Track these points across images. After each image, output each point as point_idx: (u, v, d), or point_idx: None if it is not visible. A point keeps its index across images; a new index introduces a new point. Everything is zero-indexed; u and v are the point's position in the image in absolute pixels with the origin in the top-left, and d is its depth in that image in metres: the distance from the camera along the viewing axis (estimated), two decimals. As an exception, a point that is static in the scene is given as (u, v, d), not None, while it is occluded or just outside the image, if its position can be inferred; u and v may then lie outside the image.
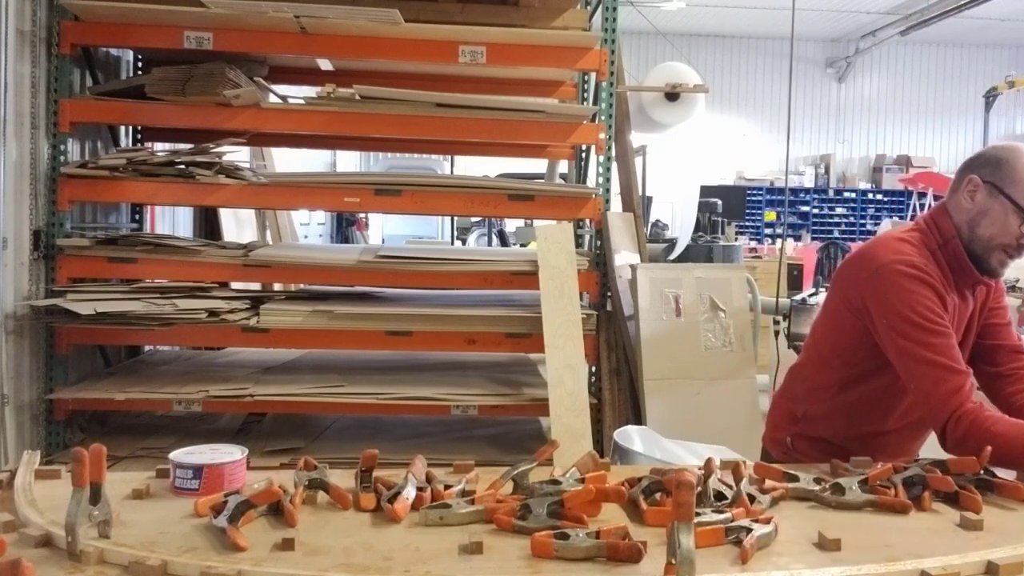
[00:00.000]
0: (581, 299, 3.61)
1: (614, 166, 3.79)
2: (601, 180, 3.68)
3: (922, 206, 12.36)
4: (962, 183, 1.94)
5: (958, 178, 1.98)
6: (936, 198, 12.55)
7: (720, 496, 1.59)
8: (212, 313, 3.33)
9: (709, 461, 1.68)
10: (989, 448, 1.69)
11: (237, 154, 3.91)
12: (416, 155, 10.76)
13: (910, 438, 2.06)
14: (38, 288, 3.32)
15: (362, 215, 13.10)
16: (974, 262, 1.91)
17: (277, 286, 4.37)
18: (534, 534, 1.37)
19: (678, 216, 9.32)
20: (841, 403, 2.01)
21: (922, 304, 1.81)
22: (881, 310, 1.85)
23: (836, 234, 16.56)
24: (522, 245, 9.04)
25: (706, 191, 10.17)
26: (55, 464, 1.84)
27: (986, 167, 1.91)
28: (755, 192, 17.23)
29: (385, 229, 13.68)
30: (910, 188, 13.90)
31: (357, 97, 3.50)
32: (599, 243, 3.72)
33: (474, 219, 13.16)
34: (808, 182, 18.09)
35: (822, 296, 4.48)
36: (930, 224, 1.96)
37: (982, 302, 1.99)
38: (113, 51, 4.02)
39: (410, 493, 1.55)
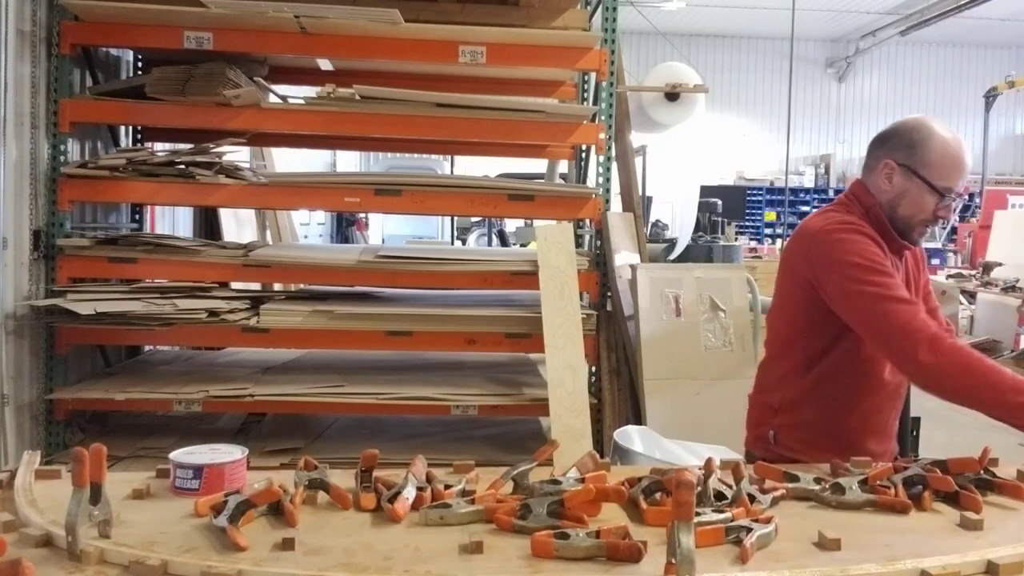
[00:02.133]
0: (581, 299, 3.61)
1: (614, 166, 3.79)
2: (601, 180, 3.68)
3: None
4: (879, 165, 2.04)
5: (874, 156, 2.07)
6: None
7: (720, 496, 1.59)
8: (212, 313, 3.32)
9: (709, 461, 1.68)
10: (989, 448, 1.69)
11: (237, 154, 3.91)
12: (416, 155, 10.76)
13: (888, 409, 2.11)
14: (38, 288, 3.32)
15: (362, 215, 13.11)
16: (897, 234, 2.02)
17: (277, 286, 4.37)
18: (534, 534, 1.37)
19: (678, 216, 9.33)
20: (812, 382, 2.05)
21: (861, 248, 1.92)
22: (825, 268, 1.94)
23: (836, 234, 16.52)
24: (522, 245, 9.04)
25: (706, 191, 10.18)
26: (55, 464, 1.84)
27: (900, 151, 2.01)
28: (755, 192, 17.24)
29: (385, 229, 13.68)
30: (910, 188, 13.86)
31: (357, 97, 3.50)
32: (599, 243, 3.72)
33: (474, 219, 13.17)
34: (808, 182, 18.11)
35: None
36: (851, 199, 2.08)
37: (913, 268, 2.12)
38: (113, 51, 4.02)
39: (410, 493, 1.55)
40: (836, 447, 1.94)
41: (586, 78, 4.42)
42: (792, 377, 2.07)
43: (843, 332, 1.97)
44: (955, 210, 2.02)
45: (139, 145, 4.12)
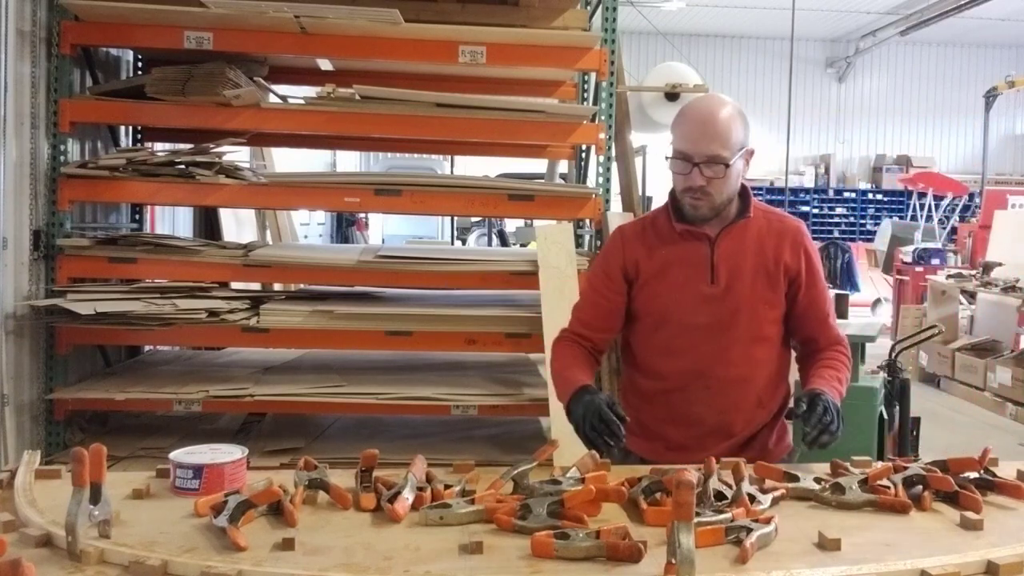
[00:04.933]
0: (581, 299, 3.60)
1: (614, 166, 3.79)
2: (601, 180, 3.68)
3: (922, 206, 12.35)
4: None
5: None
6: (936, 198, 12.55)
7: (720, 496, 1.59)
8: (212, 313, 3.32)
9: (709, 461, 1.68)
10: (989, 448, 1.69)
11: (237, 154, 3.90)
12: (416, 155, 10.76)
13: (686, 401, 2.05)
14: (38, 288, 3.32)
15: (362, 215, 13.11)
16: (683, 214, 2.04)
17: (277, 286, 4.38)
18: (534, 534, 1.37)
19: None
20: (624, 371, 2.21)
21: (602, 252, 2.17)
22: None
23: (836, 234, 16.56)
24: (522, 245, 9.05)
25: (706, 191, 10.14)
26: (55, 464, 1.84)
27: None
28: (755, 192, 17.17)
29: (385, 229, 13.69)
30: (910, 188, 13.89)
31: (357, 97, 3.50)
32: (599, 243, 3.72)
33: (474, 219, 13.17)
34: (808, 182, 18.09)
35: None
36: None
37: (752, 250, 2.07)
38: (113, 51, 4.02)
39: (410, 493, 1.56)
40: (643, 434, 2.05)
41: (586, 78, 4.42)
42: (625, 375, 2.22)
43: (627, 324, 2.11)
44: (707, 176, 1.92)
45: (139, 145, 4.12)
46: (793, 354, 2.14)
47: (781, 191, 15.19)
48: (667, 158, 1.99)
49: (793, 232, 2.05)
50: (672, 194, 2.05)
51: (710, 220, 2.00)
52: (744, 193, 2.04)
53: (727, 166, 1.92)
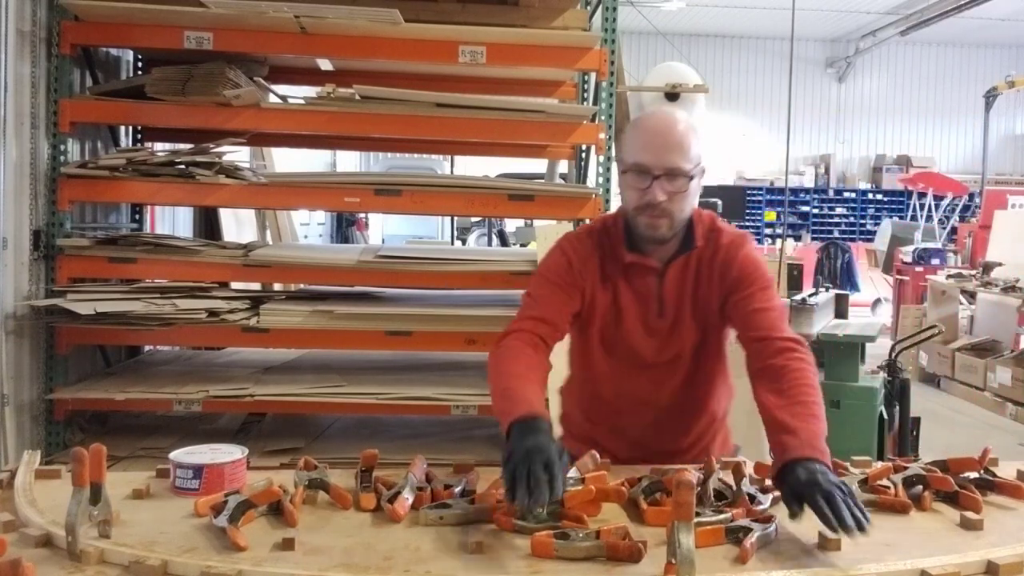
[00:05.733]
0: (581, 299, 3.60)
1: (614, 166, 3.79)
2: (601, 180, 3.68)
3: (922, 206, 12.35)
4: None
5: None
6: (936, 198, 12.55)
7: (720, 496, 1.59)
8: (212, 313, 3.32)
9: (709, 461, 1.68)
10: (989, 448, 1.69)
11: (237, 154, 3.90)
12: (416, 155, 10.76)
13: (618, 412, 2.01)
14: (38, 288, 3.32)
15: (362, 215, 13.11)
16: (636, 238, 1.90)
17: (277, 286, 4.37)
18: (534, 534, 1.37)
19: (678, 216, 9.29)
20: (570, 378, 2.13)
21: (548, 260, 1.99)
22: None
23: (836, 234, 16.58)
24: (522, 245, 9.04)
25: (706, 191, 10.08)
26: (55, 464, 1.84)
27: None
28: (755, 192, 17.24)
29: (385, 229, 13.70)
30: (910, 188, 13.90)
31: (357, 97, 3.49)
32: (599, 243, 3.71)
33: (474, 219, 13.17)
34: (808, 182, 18.11)
35: (822, 296, 4.48)
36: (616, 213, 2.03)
37: (701, 285, 1.95)
38: (113, 51, 4.02)
39: (410, 493, 1.56)
40: (581, 440, 1.97)
41: (586, 78, 4.41)
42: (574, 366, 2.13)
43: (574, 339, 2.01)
44: (668, 191, 1.78)
45: (139, 145, 4.12)
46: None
47: (781, 191, 15.20)
48: (622, 173, 1.86)
49: (726, 248, 1.91)
50: (623, 216, 1.92)
51: (668, 241, 1.87)
52: (690, 222, 1.90)
53: (690, 179, 1.81)
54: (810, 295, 4.43)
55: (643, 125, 1.88)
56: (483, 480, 1.67)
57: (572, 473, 1.65)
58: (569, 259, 1.92)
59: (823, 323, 4.23)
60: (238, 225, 5.16)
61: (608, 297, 1.92)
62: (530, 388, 1.70)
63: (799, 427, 1.54)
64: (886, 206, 17.52)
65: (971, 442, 5.31)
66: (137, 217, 4.22)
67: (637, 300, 1.92)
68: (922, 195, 12.57)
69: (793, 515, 1.41)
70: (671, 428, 1.99)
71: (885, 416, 3.85)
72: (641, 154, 1.80)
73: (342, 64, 4.22)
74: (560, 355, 2.04)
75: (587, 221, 3.86)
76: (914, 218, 12.80)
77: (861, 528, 1.34)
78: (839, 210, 17.90)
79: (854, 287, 12.19)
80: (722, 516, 1.46)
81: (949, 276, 8.16)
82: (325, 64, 4.24)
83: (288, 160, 6.73)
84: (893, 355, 4.17)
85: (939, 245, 10.42)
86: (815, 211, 17.80)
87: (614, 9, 3.64)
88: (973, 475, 1.69)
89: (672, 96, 5.75)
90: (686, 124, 1.84)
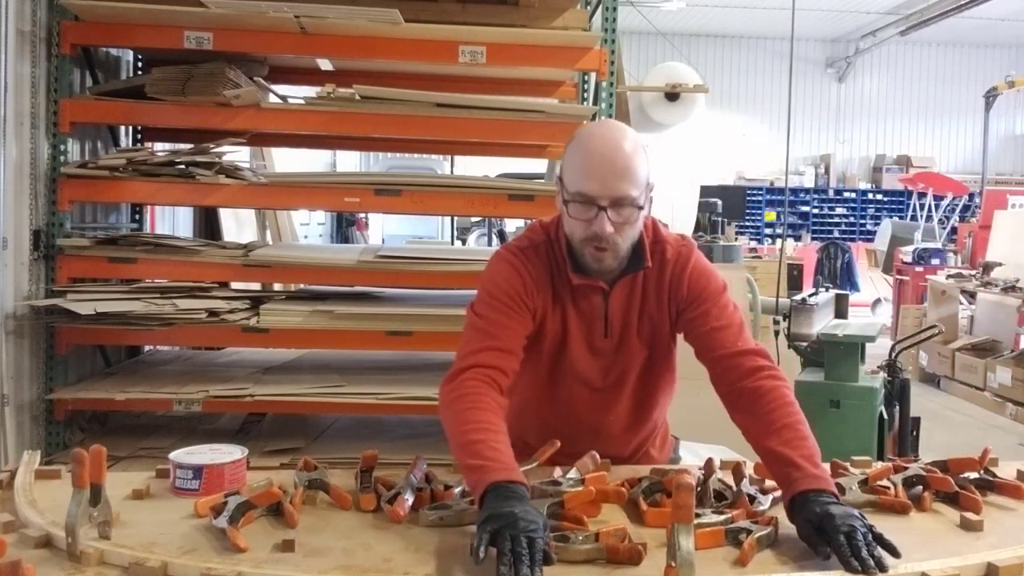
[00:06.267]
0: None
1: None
2: (601, 180, 3.67)
3: (922, 206, 12.35)
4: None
5: None
6: (936, 198, 12.55)
7: (720, 497, 1.59)
8: (212, 313, 3.32)
9: (709, 461, 1.68)
10: (989, 448, 1.69)
11: (237, 154, 3.90)
12: (416, 155, 10.75)
13: (561, 429, 1.87)
14: (38, 288, 3.32)
15: (362, 215, 13.10)
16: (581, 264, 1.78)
17: (277, 286, 4.37)
18: (534, 535, 1.36)
19: (678, 216, 9.34)
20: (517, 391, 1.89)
21: (496, 276, 1.80)
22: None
23: (836, 234, 16.59)
24: (522, 245, 9.02)
25: (706, 191, 10.18)
26: (55, 464, 1.84)
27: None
28: (755, 192, 17.24)
29: (385, 229, 13.68)
30: (910, 188, 13.90)
31: (357, 97, 3.49)
32: (599, 243, 3.71)
33: (474, 219, 13.17)
34: (808, 182, 18.11)
35: (822, 296, 4.48)
36: (548, 224, 1.90)
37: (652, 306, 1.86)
38: (113, 51, 4.02)
39: (410, 494, 1.56)
40: (513, 446, 1.69)
41: (586, 78, 4.41)
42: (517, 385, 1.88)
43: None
44: (615, 221, 1.65)
45: (139, 145, 4.12)
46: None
47: (781, 191, 15.20)
48: (565, 202, 1.71)
49: (673, 264, 1.81)
50: (566, 243, 1.79)
51: (613, 271, 1.78)
52: (640, 238, 1.78)
53: (639, 208, 1.68)
54: (810, 295, 4.43)
55: (586, 148, 1.69)
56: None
57: (572, 474, 1.65)
58: (523, 279, 1.78)
59: (823, 323, 4.23)
60: (238, 225, 5.16)
61: (557, 319, 1.81)
62: (502, 444, 1.54)
63: (796, 457, 1.51)
64: (886, 206, 17.52)
65: (971, 442, 5.31)
66: (137, 217, 4.22)
67: (582, 321, 1.82)
68: (922, 195, 12.57)
69: (824, 555, 1.36)
70: (614, 443, 1.92)
71: (885, 416, 3.84)
72: (585, 183, 1.66)
73: (342, 64, 4.22)
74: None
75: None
76: (914, 218, 12.80)
77: (883, 569, 1.29)
78: (839, 210, 17.90)
79: (854, 287, 12.20)
80: (722, 517, 1.46)
81: (949, 276, 8.16)
82: (325, 64, 4.24)
83: (288, 160, 6.73)
84: (893, 355, 4.17)
85: (939, 245, 10.42)
86: (815, 211, 17.80)
87: (614, 9, 3.64)
88: (973, 475, 1.69)
89: (672, 96, 5.76)
90: (633, 143, 1.68)
